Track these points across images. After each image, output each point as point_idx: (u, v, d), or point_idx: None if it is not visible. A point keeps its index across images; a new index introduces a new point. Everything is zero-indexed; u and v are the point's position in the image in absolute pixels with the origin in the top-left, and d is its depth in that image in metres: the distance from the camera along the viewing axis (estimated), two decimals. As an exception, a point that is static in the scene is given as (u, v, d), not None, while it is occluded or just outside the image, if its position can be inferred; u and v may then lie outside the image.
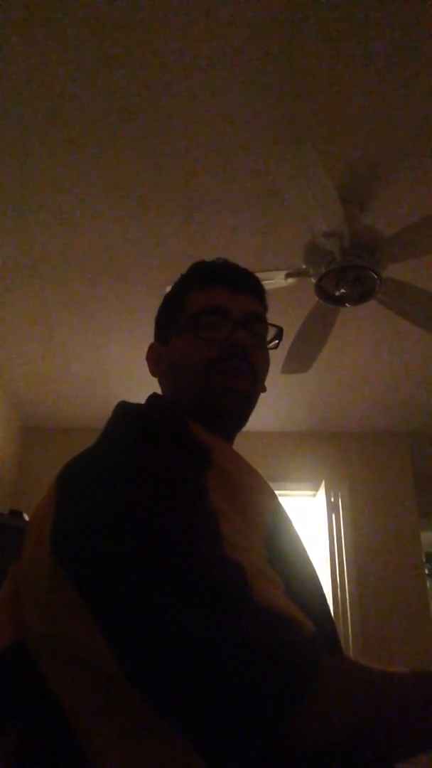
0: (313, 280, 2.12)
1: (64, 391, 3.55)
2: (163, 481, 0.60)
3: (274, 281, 2.17)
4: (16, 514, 2.93)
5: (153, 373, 0.88)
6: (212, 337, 0.78)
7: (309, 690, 0.48)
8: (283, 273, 2.16)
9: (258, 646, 0.50)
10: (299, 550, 0.72)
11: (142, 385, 3.86)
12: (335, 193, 1.75)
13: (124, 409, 0.77)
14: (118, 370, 3.31)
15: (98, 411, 3.70)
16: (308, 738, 0.48)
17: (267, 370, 0.84)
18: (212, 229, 2.32)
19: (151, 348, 0.88)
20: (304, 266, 2.15)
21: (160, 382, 0.88)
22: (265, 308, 0.87)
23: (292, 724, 0.47)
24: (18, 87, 1.79)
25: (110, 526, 0.56)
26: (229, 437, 0.81)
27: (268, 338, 0.85)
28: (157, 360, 0.86)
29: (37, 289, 2.68)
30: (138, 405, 0.78)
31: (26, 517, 2.91)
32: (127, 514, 0.56)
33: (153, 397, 0.82)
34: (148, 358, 0.88)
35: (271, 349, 0.84)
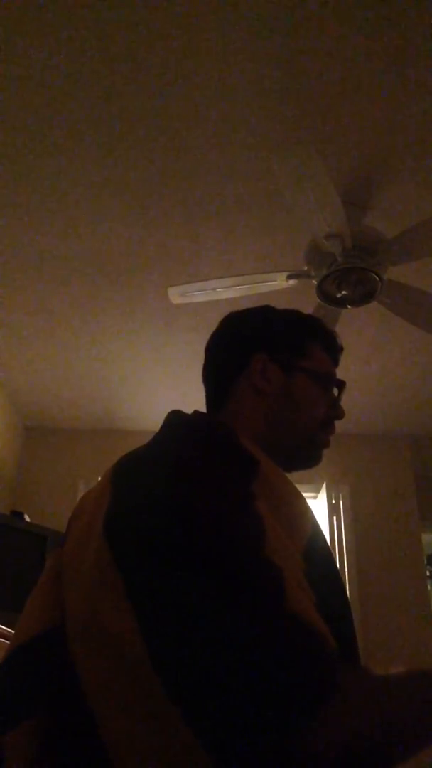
0: (315, 282, 2.12)
1: (66, 392, 3.55)
2: (214, 481, 0.64)
3: (275, 283, 2.18)
4: (17, 514, 2.93)
5: (257, 384, 0.88)
6: (332, 402, 0.91)
7: (323, 704, 0.49)
8: (284, 274, 2.16)
9: (280, 653, 0.50)
10: (332, 568, 0.75)
11: (143, 387, 3.85)
12: (336, 194, 1.75)
13: (178, 416, 0.83)
14: (120, 370, 3.31)
15: (100, 412, 3.71)
16: (316, 751, 0.48)
17: None
18: (214, 231, 2.32)
19: (265, 361, 0.89)
20: (305, 268, 2.15)
21: (246, 391, 0.88)
22: None
23: (301, 736, 0.48)
24: (20, 88, 1.79)
25: (161, 516, 0.59)
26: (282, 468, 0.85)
27: None
28: (263, 374, 0.88)
29: (39, 289, 2.69)
30: (190, 415, 0.83)
31: (27, 518, 2.91)
32: (177, 506, 0.59)
33: (198, 413, 0.86)
34: (259, 369, 0.88)
35: None
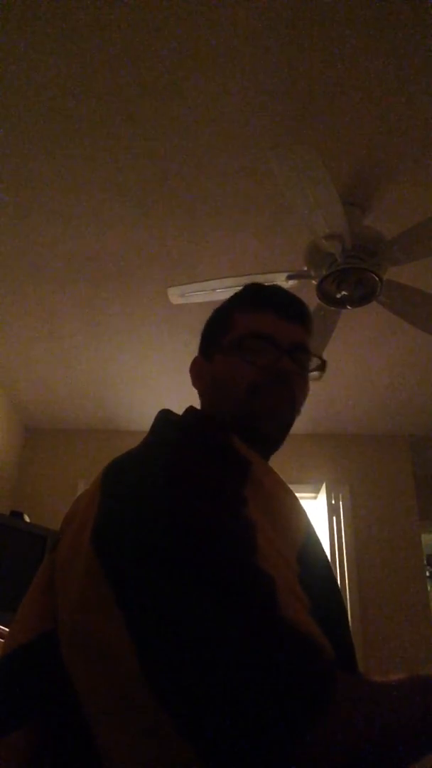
0: (315, 282, 2.12)
1: (66, 393, 3.55)
2: (205, 487, 0.63)
3: (275, 283, 2.17)
4: (17, 515, 2.93)
5: (194, 386, 0.91)
6: (258, 361, 0.80)
7: (322, 712, 0.48)
8: (284, 275, 2.16)
9: (276, 663, 0.50)
10: (326, 569, 0.74)
11: (143, 387, 3.84)
12: (336, 194, 1.75)
13: (168, 417, 0.81)
14: (121, 371, 3.31)
15: (100, 413, 3.71)
16: (316, 759, 0.48)
17: (305, 397, 0.86)
18: (214, 231, 2.32)
19: (194, 362, 0.91)
20: (305, 268, 2.15)
21: (200, 396, 0.91)
22: (309, 337, 0.88)
23: (300, 744, 0.47)
24: (20, 88, 1.79)
25: (150, 524, 0.58)
26: (264, 457, 0.82)
27: (310, 367, 0.87)
28: (198, 374, 0.89)
29: (40, 290, 2.69)
30: (181, 415, 0.82)
31: (27, 518, 2.91)
32: (167, 514, 0.58)
33: (192, 409, 0.85)
34: (191, 371, 0.91)
35: (314, 379, 0.87)
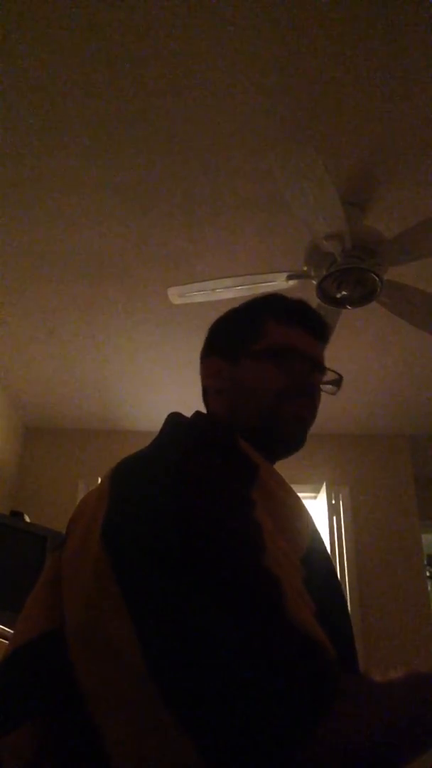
0: (315, 282, 2.12)
1: (66, 392, 3.55)
2: (214, 489, 0.64)
3: (275, 283, 2.18)
4: (17, 514, 2.93)
5: (209, 386, 0.91)
6: (289, 372, 0.85)
7: (324, 714, 0.49)
8: (284, 275, 2.16)
9: (279, 663, 0.51)
10: (330, 572, 0.75)
11: (144, 387, 3.83)
12: (336, 194, 1.75)
13: (177, 419, 0.83)
14: (121, 371, 3.31)
15: (100, 412, 3.71)
16: (318, 760, 0.48)
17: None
18: (214, 231, 2.32)
19: (213, 361, 0.91)
20: (305, 268, 2.15)
21: (213, 396, 0.90)
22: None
23: (302, 746, 0.48)
24: (20, 88, 1.79)
25: (158, 525, 0.59)
26: (270, 461, 0.84)
27: (327, 380, 0.93)
28: (218, 375, 0.90)
29: (40, 290, 2.69)
30: (190, 418, 0.83)
31: (27, 518, 2.91)
32: (176, 515, 0.59)
33: (199, 413, 0.86)
34: (208, 370, 0.91)
35: (330, 393, 0.93)
